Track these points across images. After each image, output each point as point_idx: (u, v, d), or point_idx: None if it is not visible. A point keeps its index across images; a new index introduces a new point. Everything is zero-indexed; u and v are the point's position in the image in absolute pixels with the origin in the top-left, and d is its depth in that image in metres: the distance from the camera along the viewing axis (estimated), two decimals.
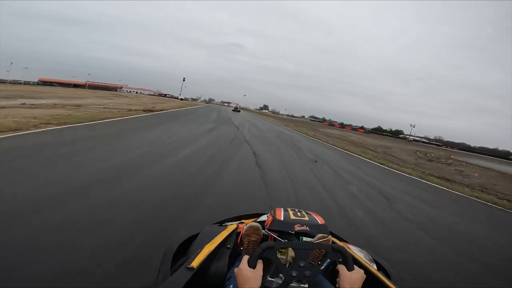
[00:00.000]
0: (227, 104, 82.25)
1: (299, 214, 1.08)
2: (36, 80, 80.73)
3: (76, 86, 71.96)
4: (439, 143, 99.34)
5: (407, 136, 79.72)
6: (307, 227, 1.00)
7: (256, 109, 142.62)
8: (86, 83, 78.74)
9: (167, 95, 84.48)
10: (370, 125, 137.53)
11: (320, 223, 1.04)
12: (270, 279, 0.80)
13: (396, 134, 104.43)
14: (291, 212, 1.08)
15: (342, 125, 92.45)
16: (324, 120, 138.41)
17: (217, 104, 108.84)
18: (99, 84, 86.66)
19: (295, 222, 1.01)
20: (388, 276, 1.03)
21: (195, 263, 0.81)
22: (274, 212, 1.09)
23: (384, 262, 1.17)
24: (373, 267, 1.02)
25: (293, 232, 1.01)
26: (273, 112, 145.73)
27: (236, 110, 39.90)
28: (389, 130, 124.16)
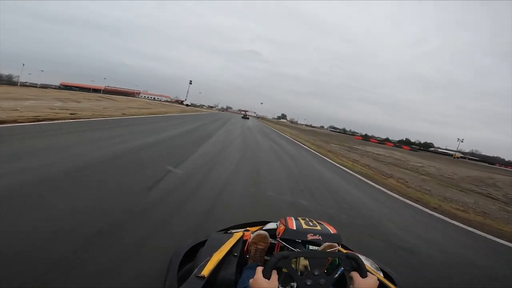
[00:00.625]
0: (243, 112, 79.98)
1: (310, 223, 1.01)
2: (58, 84, 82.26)
3: (95, 90, 72.43)
4: (476, 157, 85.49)
5: (454, 153, 68.37)
6: (320, 237, 0.95)
7: (273, 118, 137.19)
8: (102, 88, 79.32)
9: (183, 101, 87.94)
10: (391, 136, 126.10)
11: (332, 232, 0.98)
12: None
13: (426, 147, 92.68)
14: (302, 221, 1.02)
15: (381, 141, 71.94)
16: (345, 131, 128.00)
17: (232, 112, 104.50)
18: (116, 89, 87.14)
19: (308, 231, 0.96)
20: (394, 284, 1.05)
21: (206, 271, 0.81)
22: (286, 221, 1.02)
23: (389, 270, 1.17)
24: (380, 275, 1.06)
25: (300, 241, 1.00)
26: (292, 121, 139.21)
27: (245, 117, 47.37)
28: (417, 142, 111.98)
